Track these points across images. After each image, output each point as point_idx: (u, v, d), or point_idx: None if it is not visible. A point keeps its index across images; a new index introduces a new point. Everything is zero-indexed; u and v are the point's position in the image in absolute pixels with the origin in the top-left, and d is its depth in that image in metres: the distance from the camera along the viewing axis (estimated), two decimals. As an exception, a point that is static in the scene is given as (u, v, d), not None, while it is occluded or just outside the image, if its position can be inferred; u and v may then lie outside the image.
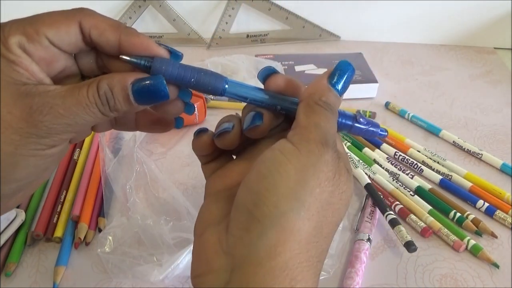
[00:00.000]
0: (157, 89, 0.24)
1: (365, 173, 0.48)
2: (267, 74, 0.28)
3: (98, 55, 0.27)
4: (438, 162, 0.51)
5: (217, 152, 0.30)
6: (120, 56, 0.25)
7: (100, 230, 0.43)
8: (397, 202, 0.46)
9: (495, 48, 0.78)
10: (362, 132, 0.28)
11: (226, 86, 0.26)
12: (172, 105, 0.27)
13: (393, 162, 0.51)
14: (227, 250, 0.23)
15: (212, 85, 0.26)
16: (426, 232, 0.42)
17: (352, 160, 0.49)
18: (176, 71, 0.25)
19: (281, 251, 0.22)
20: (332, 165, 0.24)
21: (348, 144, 0.54)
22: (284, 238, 0.22)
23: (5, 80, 0.22)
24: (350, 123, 0.28)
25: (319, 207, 0.23)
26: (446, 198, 0.46)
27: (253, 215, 0.22)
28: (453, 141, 0.55)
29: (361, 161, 0.51)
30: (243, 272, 0.22)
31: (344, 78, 0.26)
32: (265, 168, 0.23)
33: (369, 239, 0.41)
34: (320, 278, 0.39)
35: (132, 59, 0.25)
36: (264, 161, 0.24)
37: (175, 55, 0.26)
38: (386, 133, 0.29)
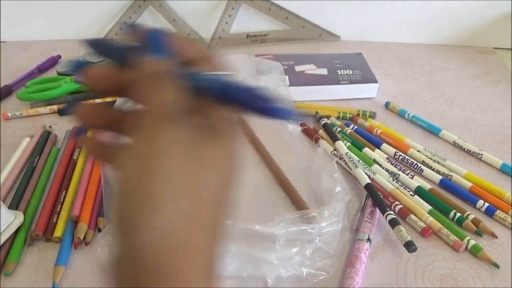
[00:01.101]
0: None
1: (365, 173, 0.48)
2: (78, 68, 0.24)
3: None
4: (438, 162, 0.51)
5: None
6: None
7: (99, 230, 0.43)
8: (397, 202, 0.46)
9: (495, 48, 0.78)
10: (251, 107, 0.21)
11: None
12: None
13: (393, 162, 0.51)
14: None
15: None
16: (426, 232, 0.42)
17: (352, 160, 0.49)
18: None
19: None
20: (185, 141, 0.20)
21: (348, 144, 0.54)
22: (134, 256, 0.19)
23: None
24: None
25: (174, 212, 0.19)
26: (446, 198, 0.46)
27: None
28: (453, 141, 0.55)
29: (361, 161, 0.51)
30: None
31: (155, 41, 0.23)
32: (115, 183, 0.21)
33: (369, 239, 0.41)
34: (320, 278, 0.39)
35: None
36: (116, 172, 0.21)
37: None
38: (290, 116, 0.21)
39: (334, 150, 0.52)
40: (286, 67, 0.66)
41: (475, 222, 0.43)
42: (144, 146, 0.20)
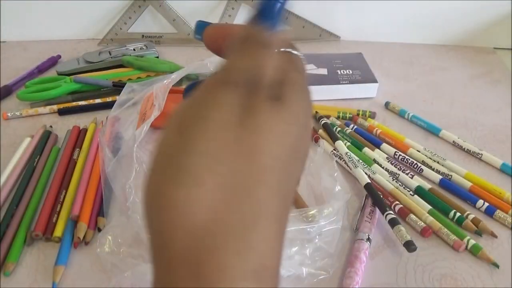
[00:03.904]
0: None
1: (365, 173, 0.48)
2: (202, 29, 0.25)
3: None
4: (438, 162, 0.51)
5: None
6: None
7: (99, 230, 0.43)
8: (397, 202, 0.46)
9: (495, 48, 0.78)
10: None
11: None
12: None
13: (393, 162, 0.51)
14: None
15: None
16: (426, 232, 0.42)
17: (352, 160, 0.49)
18: None
19: None
20: (232, 105, 0.18)
21: (348, 144, 0.54)
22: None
23: None
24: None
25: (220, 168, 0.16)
26: (446, 198, 0.46)
27: None
28: (453, 141, 0.55)
29: (361, 161, 0.51)
30: None
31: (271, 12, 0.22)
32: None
33: (368, 239, 0.41)
34: (320, 277, 0.39)
35: None
36: None
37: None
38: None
39: (334, 149, 0.52)
40: (286, 67, 0.65)
41: (475, 221, 0.43)
42: (189, 110, 0.19)
